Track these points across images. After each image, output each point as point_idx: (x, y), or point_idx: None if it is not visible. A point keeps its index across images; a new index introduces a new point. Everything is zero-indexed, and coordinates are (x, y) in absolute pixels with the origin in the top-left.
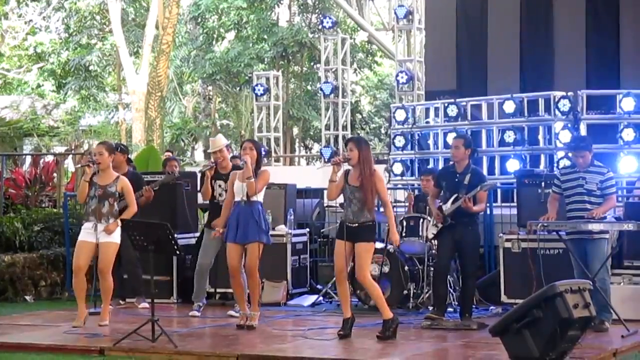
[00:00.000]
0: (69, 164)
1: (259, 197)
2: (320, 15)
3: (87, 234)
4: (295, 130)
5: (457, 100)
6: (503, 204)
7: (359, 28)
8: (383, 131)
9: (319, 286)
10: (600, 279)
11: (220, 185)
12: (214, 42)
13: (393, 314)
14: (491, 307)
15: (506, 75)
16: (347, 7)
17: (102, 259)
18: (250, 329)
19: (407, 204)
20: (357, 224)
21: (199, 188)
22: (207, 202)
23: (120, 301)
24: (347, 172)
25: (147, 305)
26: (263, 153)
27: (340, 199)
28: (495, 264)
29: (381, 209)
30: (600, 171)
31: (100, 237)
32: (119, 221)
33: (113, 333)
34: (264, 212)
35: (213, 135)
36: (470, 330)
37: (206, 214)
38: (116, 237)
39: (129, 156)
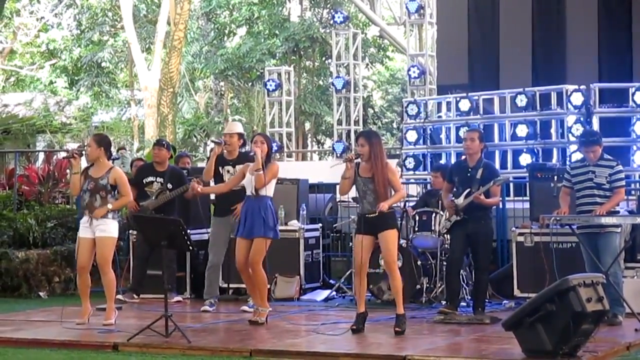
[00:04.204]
0: (83, 161)
1: (269, 192)
2: (332, 10)
3: (84, 229)
4: (308, 126)
5: (469, 94)
6: (516, 198)
7: (370, 23)
8: (395, 126)
9: (331, 281)
10: (612, 272)
11: (228, 171)
12: (225, 38)
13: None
14: (504, 301)
15: (518, 69)
16: (358, 2)
17: (100, 253)
18: (257, 324)
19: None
20: (376, 214)
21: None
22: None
23: (135, 295)
24: (357, 164)
25: (180, 298)
26: (276, 148)
27: (352, 193)
28: (508, 258)
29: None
30: (609, 164)
31: (96, 231)
32: (109, 205)
33: (126, 328)
34: (273, 207)
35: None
36: (483, 324)
37: None
38: (113, 231)
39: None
